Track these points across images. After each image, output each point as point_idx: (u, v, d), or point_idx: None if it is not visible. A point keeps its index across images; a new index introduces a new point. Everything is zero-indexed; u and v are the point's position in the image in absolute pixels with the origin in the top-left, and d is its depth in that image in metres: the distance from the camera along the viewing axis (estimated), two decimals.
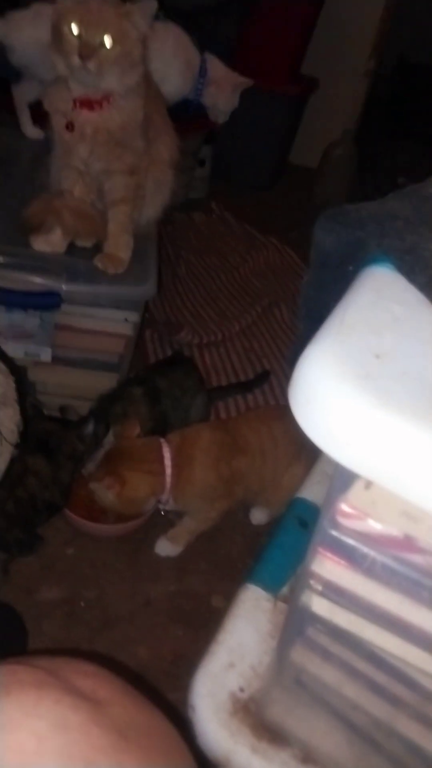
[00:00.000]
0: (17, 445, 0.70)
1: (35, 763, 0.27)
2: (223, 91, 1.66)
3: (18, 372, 0.79)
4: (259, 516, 1.16)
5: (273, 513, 1.13)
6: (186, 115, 1.63)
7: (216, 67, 1.65)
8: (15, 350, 1.19)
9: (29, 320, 1.18)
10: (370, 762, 0.55)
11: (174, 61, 1.56)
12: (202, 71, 1.63)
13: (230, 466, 1.01)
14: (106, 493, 0.96)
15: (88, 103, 1.07)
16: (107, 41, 1.00)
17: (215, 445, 1.02)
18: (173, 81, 1.57)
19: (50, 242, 1.17)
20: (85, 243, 1.22)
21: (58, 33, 1.01)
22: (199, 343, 1.57)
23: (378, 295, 0.39)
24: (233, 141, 2.25)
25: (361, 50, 2.49)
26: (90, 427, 1.04)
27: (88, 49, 0.99)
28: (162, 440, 1.01)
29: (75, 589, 1.01)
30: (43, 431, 1.03)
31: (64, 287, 1.11)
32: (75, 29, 0.99)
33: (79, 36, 0.99)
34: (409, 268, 0.41)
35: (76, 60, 1.01)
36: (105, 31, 0.99)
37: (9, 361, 0.79)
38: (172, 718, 0.35)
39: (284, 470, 1.04)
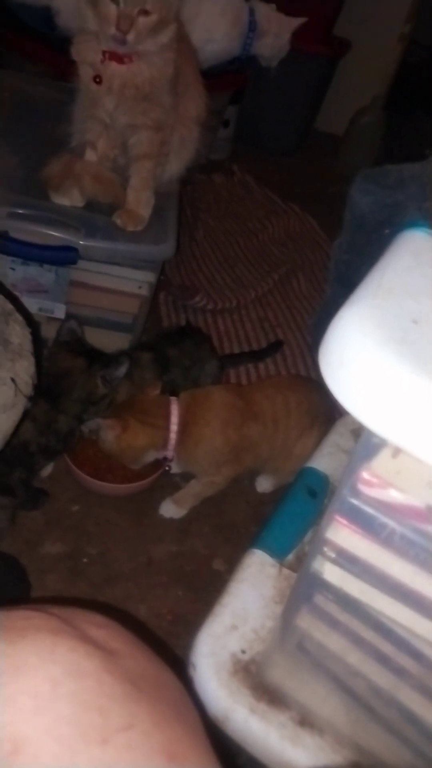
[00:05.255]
0: (31, 398, 0.70)
1: (49, 707, 0.26)
2: (280, 39, 1.60)
3: (34, 325, 0.78)
4: (264, 484, 1.17)
5: (279, 482, 1.13)
6: (213, 72, 1.57)
7: (268, 17, 1.58)
8: (29, 305, 1.18)
9: (44, 275, 1.16)
10: (366, 728, 0.55)
11: (222, 20, 1.50)
12: (252, 25, 1.57)
13: (239, 432, 1.01)
14: (107, 433, 0.98)
15: (117, 57, 1.04)
16: (146, 9, 0.97)
17: (225, 409, 1.01)
18: (220, 41, 1.51)
19: (70, 196, 1.14)
20: (105, 199, 1.20)
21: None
22: (213, 309, 1.55)
23: (416, 260, 0.38)
24: (259, 102, 2.18)
25: (398, 13, 2.39)
26: (122, 370, 1.02)
27: (127, 22, 0.97)
28: (173, 398, 1.01)
29: (79, 545, 1.02)
30: (59, 374, 1.01)
31: (81, 242, 1.09)
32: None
33: (117, 4, 0.96)
34: None
35: (112, 30, 0.98)
36: (145, 1, 0.96)
37: (26, 314, 0.78)
38: (176, 670, 0.35)
39: (296, 440, 1.04)
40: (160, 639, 0.90)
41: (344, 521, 0.40)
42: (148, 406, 1.01)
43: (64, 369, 1.02)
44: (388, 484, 0.36)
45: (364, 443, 0.37)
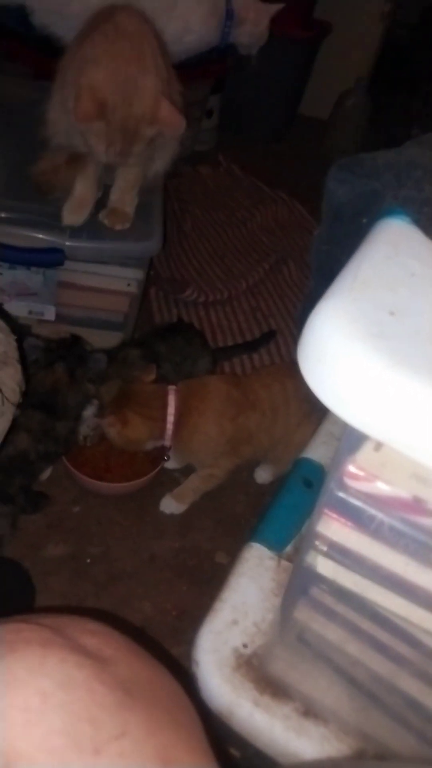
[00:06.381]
0: (19, 405, 0.69)
1: (40, 720, 0.26)
2: (258, 27, 1.57)
3: (20, 332, 0.78)
4: (263, 475, 1.17)
5: (278, 472, 1.13)
6: (192, 62, 1.55)
7: (245, 4, 1.53)
8: (19, 308, 1.18)
9: (32, 278, 1.16)
10: (370, 715, 0.56)
11: (198, 10, 1.46)
12: (229, 14, 1.54)
13: (234, 422, 1.01)
14: (109, 430, 1.00)
15: None
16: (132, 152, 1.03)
17: (219, 399, 1.02)
18: (197, 31, 1.49)
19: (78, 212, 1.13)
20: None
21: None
22: (205, 301, 1.54)
23: (393, 250, 0.37)
24: (242, 90, 2.16)
25: None
26: (102, 362, 1.05)
27: (123, 159, 1.03)
28: (171, 388, 1.02)
29: (81, 545, 1.02)
30: (47, 391, 1.01)
31: (67, 243, 1.09)
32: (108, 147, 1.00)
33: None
34: (426, 220, 0.39)
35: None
36: (138, 144, 1.01)
37: (10, 320, 0.78)
38: (176, 673, 0.35)
39: (295, 428, 1.04)
40: (157, 641, 0.90)
41: (333, 515, 0.40)
42: (146, 396, 1.02)
43: (50, 386, 1.02)
44: (374, 476, 0.36)
45: (347, 437, 0.37)
